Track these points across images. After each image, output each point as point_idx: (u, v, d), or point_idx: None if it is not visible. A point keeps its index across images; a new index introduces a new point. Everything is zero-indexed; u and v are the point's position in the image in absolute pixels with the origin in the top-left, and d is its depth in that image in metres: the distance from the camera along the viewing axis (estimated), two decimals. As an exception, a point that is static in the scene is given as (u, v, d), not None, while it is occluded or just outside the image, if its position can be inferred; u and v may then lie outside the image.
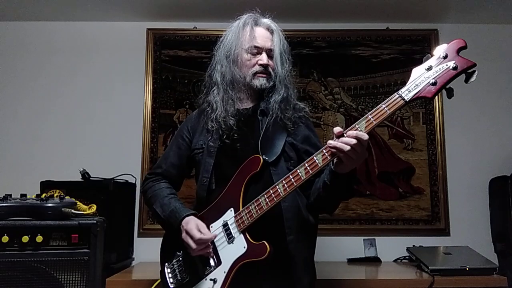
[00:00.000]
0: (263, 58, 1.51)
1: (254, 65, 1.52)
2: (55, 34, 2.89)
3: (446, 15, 2.81)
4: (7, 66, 2.85)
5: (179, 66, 2.87)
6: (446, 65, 1.18)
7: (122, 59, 2.86)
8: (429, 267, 2.05)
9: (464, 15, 2.79)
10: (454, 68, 1.17)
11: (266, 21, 1.57)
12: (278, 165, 1.45)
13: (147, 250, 2.58)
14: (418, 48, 2.85)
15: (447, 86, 1.19)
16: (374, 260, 2.53)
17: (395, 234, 2.67)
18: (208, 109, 1.56)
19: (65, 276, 1.44)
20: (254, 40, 1.51)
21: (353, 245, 2.60)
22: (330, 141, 1.24)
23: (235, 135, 1.49)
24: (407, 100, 1.20)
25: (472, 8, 2.70)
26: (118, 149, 2.75)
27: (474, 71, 1.17)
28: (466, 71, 1.18)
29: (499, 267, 2.18)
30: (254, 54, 1.52)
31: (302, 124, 1.57)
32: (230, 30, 1.57)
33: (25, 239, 1.43)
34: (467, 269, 2.04)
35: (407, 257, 2.50)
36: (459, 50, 1.19)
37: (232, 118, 1.49)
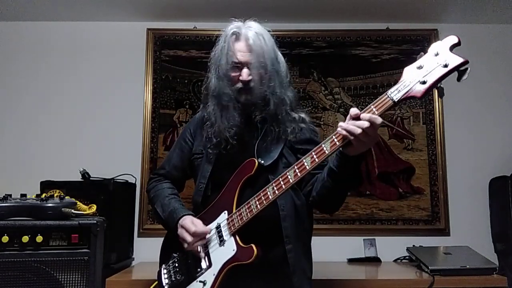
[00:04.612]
0: (243, 75, 1.44)
1: (237, 81, 1.47)
2: (55, 34, 2.89)
3: (446, 15, 2.81)
4: (8, 65, 2.85)
5: (179, 66, 2.87)
6: (437, 63, 1.12)
7: (122, 59, 2.86)
8: (429, 267, 2.05)
9: (464, 15, 2.80)
10: (445, 66, 1.11)
11: (247, 32, 1.47)
12: (276, 170, 1.43)
13: (147, 250, 2.58)
14: (418, 48, 2.85)
15: (438, 85, 1.13)
16: (374, 260, 2.52)
17: (395, 234, 2.67)
18: (207, 123, 1.53)
19: (65, 276, 1.45)
20: (234, 55, 1.46)
21: (353, 245, 2.60)
22: (341, 123, 1.20)
23: (234, 143, 1.47)
24: (396, 100, 1.15)
25: (472, 8, 2.70)
26: (118, 149, 2.75)
27: (466, 69, 1.11)
28: (458, 69, 1.11)
29: (499, 267, 2.18)
30: (236, 70, 1.47)
31: (306, 131, 1.53)
32: (219, 41, 1.53)
33: (25, 239, 1.43)
34: (467, 269, 2.04)
35: (407, 257, 2.50)
36: (452, 48, 1.13)
37: (231, 129, 1.46)
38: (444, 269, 2.04)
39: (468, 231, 2.64)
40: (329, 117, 2.82)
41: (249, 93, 1.45)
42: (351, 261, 2.55)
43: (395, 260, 2.55)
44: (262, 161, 1.41)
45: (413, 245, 2.45)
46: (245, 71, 1.44)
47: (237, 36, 1.48)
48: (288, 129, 1.47)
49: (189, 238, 1.40)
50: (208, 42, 2.86)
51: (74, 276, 1.45)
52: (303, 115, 1.55)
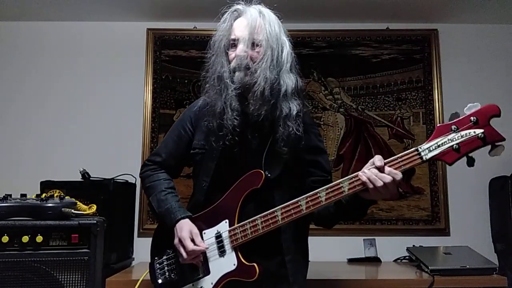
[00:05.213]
0: (237, 50, 1.37)
1: (233, 58, 1.39)
2: (56, 33, 2.89)
3: (446, 15, 2.81)
4: (9, 65, 2.85)
5: (179, 66, 2.87)
6: (474, 132, 1.12)
7: (122, 59, 2.86)
8: (429, 267, 2.05)
9: (464, 15, 2.79)
10: (482, 139, 1.11)
11: (250, 9, 1.42)
12: (280, 182, 1.39)
13: (147, 250, 2.52)
14: (418, 48, 2.85)
15: (470, 155, 1.13)
16: (374, 260, 2.52)
17: (395, 234, 2.67)
18: (207, 107, 1.45)
19: (65, 276, 1.45)
20: (233, 32, 1.40)
21: (353, 245, 2.60)
22: (365, 170, 1.21)
23: (236, 137, 1.38)
24: (425, 159, 1.16)
25: (472, 8, 2.70)
26: (118, 149, 2.75)
27: (502, 146, 1.12)
28: (492, 143, 1.12)
29: (499, 267, 2.18)
30: (234, 48, 1.40)
31: (311, 134, 1.49)
32: (219, 25, 1.48)
33: (25, 239, 1.43)
34: (467, 269, 2.04)
35: (407, 257, 2.49)
36: (491, 118, 1.12)
37: (236, 119, 1.36)
38: (444, 269, 2.04)
39: (468, 231, 2.64)
40: (329, 117, 2.82)
41: (243, 71, 1.36)
42: (351, 261, 2.55)
43: (395, 260, 2.55)
44: (269, 175, 1.36)
45: (413, 245, 2.45)
46: (240, 46, 1.38)
47: (238, 12, 1.44)
48: (286, 133, 1.37)
49: (184, 255, 1.37)
50: (208, 42, 2.86)
51: (74, 276, 1.45)
52: (294, 106, 1.39)
